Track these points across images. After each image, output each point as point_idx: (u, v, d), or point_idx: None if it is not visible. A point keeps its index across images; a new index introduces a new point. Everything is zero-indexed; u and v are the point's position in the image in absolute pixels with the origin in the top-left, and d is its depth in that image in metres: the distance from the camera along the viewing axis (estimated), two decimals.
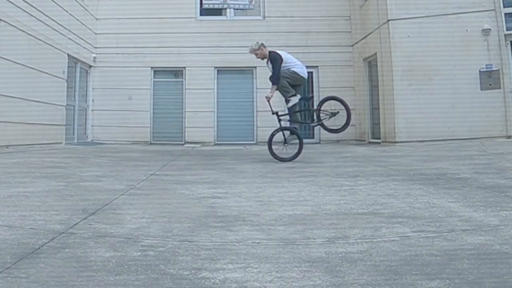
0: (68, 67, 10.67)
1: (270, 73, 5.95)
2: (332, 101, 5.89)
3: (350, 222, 2.20)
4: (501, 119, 9.32)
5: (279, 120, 6.12)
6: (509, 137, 9.22)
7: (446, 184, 3.44)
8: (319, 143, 12.11)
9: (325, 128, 5.87)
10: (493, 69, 9.40)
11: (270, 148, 5.84)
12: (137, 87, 12.29)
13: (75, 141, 11.14)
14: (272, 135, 5.93)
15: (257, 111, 12.45)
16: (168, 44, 12.33)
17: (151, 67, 12.49)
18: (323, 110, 5.81)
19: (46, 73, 9.41)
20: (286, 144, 5.91)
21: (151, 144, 12.04)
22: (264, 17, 12.73)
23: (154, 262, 1.57)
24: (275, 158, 5.72)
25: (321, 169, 4.94)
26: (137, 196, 3.05)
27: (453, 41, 9.47)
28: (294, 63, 5.89)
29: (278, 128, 6.01)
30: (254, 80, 12.57)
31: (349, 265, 1.53)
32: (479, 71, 9.44)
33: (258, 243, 1.83)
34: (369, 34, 11.14)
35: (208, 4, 12.78)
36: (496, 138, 9.06)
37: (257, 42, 6.07)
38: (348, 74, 12.25)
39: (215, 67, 12.52)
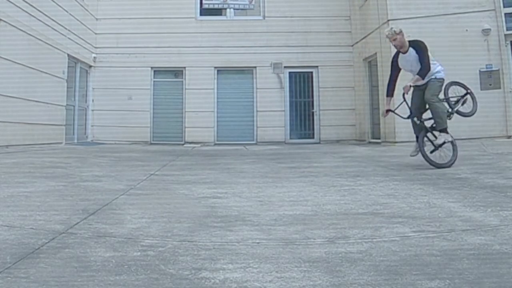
0: (68, 67, 10.67)
1: (405, 66, 4.95)
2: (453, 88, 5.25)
3: (350, 222, 2.20)
4: (501, 119, 9.32)
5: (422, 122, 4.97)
6: (509, 137, 9.22)
7: (446, 184, 3.44)
8: (319, 143, 12.12)
9: (461, 113, 5.12)
10: (493, 69, 9.40)
11: (425, 155, 4.75)
12: (137, 87, 12.30)
13: (75, 141, 11.14)
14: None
15: (257, 111, 12.45)
16: (168, 44, 12.34)
17: (151, 67, 12.49)
18: (451, 97, 5.10)
19: (46, 73, 9.41)
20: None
21: (151, 144, 12.04)
22: (264, 17, 12.73)
23: (154, 262, 1.57)
24: (433, 165, 4.67)
25: (321, 169, 4.93)
26: (137, 196, 3.05)
27: (453, 41, 9.47)
28: (436, 63, 4.94)
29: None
30: (254, 80, 12.58)
31: (349, 265, 1.53)
32: (479, 71, 9.43)
33: (258, 243, 1.83)
34: (369, 34, 11.13)
35: (208, 4, 12.78)
36: (496, 138, 9.06)
37: (397, 27, 5.00)
38: (348, 74, 12.25)
39: (215, 67, 12.52)
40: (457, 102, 5.12)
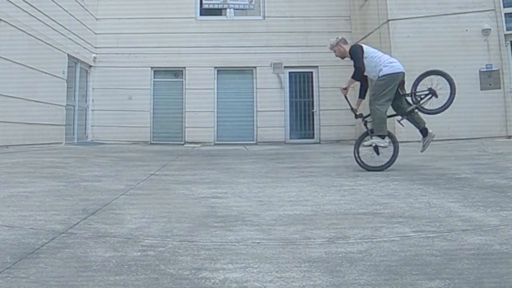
0: (68, 67, 10.67)
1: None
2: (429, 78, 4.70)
3: (350, 222, 2.20)
4: (501, 119, 9.32)
5: (365, 124, 4.90)
6: (509, 137, 9.22)
7: (446, 184, 3.44)
8: (319, 143, 12.12)
9: (423, 111, 4.69)
10: (493, 69, 9.40)
11: (357, 157, 4.75)
12: (137, 87, 12.30)
13: (75, 141, 11.14)
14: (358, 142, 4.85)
15: (257, 111, 12.45)
16: (168, 44, 12.34)
17: (151, 67, 12.49)
18: (419, 91, 4.68)
19: (46, 73, 9.41)
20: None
21: (151, 144, 12.04)
22: (264, 17, 12.73)
23: (154, 262, 1.57)
24: (363, 167, 4.65)
25: (321, 169, 4.93)
26: (137, 196, 3.05)
27: (453, 41, 9.47)
28: (381, 59, 4.72)
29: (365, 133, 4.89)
30: (254, 80, 12.58)
31: (349, 265, 1.53)
32: (479, 71, 9.43)
33: (258, 243, 1.83)
34: (369, 34, 11.14)
35: (208, 4, 12.79)
36: (496, 138, 9.06)
37: (337, 37, 5.07)
38: (348, 74, 12.12)
39: (215, 67, 12.53)
40: (422, 98, 4.66)
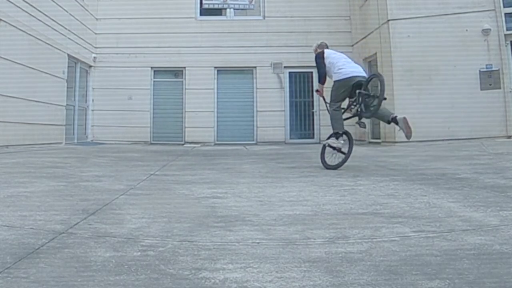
0: (68, 67, 10.67)
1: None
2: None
3: (350, 222, 2.20)
4: (501, 119, 9.32)
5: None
6: (509, 137, 9.22)
7: (446, 184, 3.44)
8: (319, 143, 12.12)
9: (361, 114, 4.77)
10: (493, 69, 9.40)
11: (321, 158, 5.01)
12: (137, 87, 12.30)
13: (75, 141, 11.14)
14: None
15: (257, 111, 12.45)
16: (168, 44, 12.34)
17: (151, 67, 12.49)
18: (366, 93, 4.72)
19: (46, 73, 9.41)
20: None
21: (151, 144, 12.04)
22: (264, 17, 12.73)
23: (154, 262, 1.57)
24: (325, 167, 4.87)
25: (321, 169, 4.93)
26: (137, 196, 3.05)
27: (453, 41, 9.48)
28: (334, 66, 4.92)
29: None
30: (254, 80, 12.58)
31: (349, 265, 1.53)
32: (479, 71, 9.44)
33: (258, 243, 1.83)
34: (369, 34, 11.14)
35: (208, 4, 12.79)
36: (496, 138, 9.06)
37: (317, 43, 5.47)
38: None
39: (215, 67, 12.53)
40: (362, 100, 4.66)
